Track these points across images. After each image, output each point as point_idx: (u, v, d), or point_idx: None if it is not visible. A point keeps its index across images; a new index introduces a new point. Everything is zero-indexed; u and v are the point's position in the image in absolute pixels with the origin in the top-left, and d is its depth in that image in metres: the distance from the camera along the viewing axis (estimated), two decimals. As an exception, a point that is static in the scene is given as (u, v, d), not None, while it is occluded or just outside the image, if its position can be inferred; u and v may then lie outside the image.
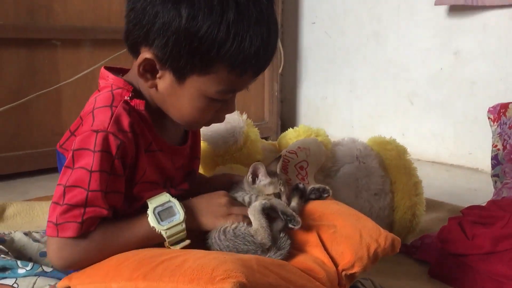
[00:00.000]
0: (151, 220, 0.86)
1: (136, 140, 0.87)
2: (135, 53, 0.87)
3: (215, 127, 1.38)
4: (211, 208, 0.93)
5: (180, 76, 0.84)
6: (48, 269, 1.05)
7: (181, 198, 0.93)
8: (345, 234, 0.93)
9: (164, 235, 0.86)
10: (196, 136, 1.09)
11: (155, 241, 0.87)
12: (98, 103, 0.87)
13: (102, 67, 0.95)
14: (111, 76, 0.92)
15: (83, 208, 0.82)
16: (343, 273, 0.90)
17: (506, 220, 1.30)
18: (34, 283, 1.02)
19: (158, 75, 0.86)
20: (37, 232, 1.26)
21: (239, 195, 0.99)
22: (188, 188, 1.02)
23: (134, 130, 0.86)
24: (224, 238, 0.88)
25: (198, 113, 0.90)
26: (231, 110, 0.94)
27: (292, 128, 1.60)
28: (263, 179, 0.99)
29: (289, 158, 1.42)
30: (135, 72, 0.88)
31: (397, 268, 1.32)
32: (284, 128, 2.22)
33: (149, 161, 0.91)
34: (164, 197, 0.89)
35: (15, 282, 1.02)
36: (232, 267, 0.71)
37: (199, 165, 1.13)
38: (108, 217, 0.85)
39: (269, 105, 3.07)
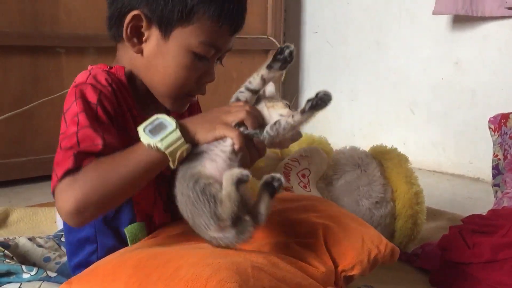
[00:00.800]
0: (144, 138, 0.80)
1: (116, 96, 0.90)
2: (118, 28, 0.93)
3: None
4: (207, 116, 0.88)
5: (166, 29, 0.90)
6: (52, 274, 1.06)
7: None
8: (348, 236, 0.94)
9: (162, 148, 0.79)
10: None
11: (156, 163, 0.82)
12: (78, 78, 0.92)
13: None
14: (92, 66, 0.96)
15: (77, 147, 0.81)
16: (342, 274, 0.91)
17: (507, 229, 1.31)
18: (39, 288, 1.03)
19: (144, 38, 0.92)
20: (41, 238, 1.27)
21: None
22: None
23: (112, 87, 0.90)
24: (191, 187, 0.80)
25: (183, 71, 0.93)
26: (212, 76, 0.97)
27: (294, 136, 1.60)
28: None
29: (291, 166, 1.43)
30: (117, 57, 0.97)
31: (398, 276, 1.33)
32: (285, 136, 2.23)
33: (134, 126, 0.89)
34: (151, 117, 0.83)
35: (19, 287, 1.03)
36: (226, 276, 0.70)
37: None
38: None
39: (271, 113, 3.07)
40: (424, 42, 2.66)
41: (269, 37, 2.94)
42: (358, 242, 0.93)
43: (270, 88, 0.96)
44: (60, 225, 1.53)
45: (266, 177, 0.83)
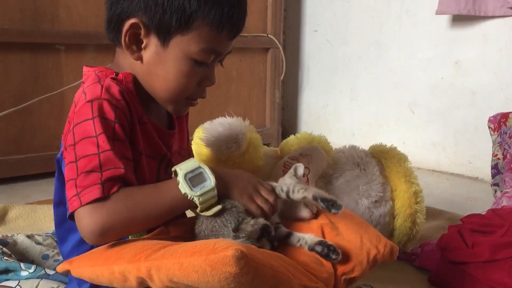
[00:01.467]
0: (183, 186, 0.84)
1: (129, 109, 0.89)
2: (117, 33, 0.92)
3: (217, 132, 1.39)
4: (241, 182, 0.92)
5: (165, 37, 0.89)
6: (50, 272, 1.06)
7: None
8: (346, 237, 0.93)
9: (197, 201, 0.84)
10: (181, 127, 1.10)
11: (184, 207, 0.87)
12: (86, 85, 0.89)
13: (84, 66, 0.98)
14: (92, 68, 0.95)
15: (99, 172, 0.80)
16: (343, 277, 0.90)
17: (506, 229, 1.31)
18: (37, 286, 1.03)
19: (143, 45, 0.91)
20: (40, 235, 1.27)
21: (277, 184, 0.98)
22: None
23: (125, 98, 0.88)
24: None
25: (183, 78, 0.92)
26: (212, 81, 0.97)
27: (293, 135, 1.60)
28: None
29: (291, 165, 1.43)
30: (117, 60, 0.96)
31: (397, 276, 1.33)
32: (284, 135, 2.23)
33: (142, 134, 0.92)
34: (193, 163, 0.87)
35: (18, 284, 1.03)
36: (233, 243, 0.72)
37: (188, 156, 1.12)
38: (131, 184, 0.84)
39: (271, 112, 3.08)
40: (424, 42, 2.66)
41: (269, 35, 2.93)
42: (356, 243, 0.92)
43: (300, 170, 1.03)
44: (59, 222, 1.53)
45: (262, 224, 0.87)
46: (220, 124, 1.41)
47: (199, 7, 0.87)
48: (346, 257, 0.91)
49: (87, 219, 0.79)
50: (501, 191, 1.65)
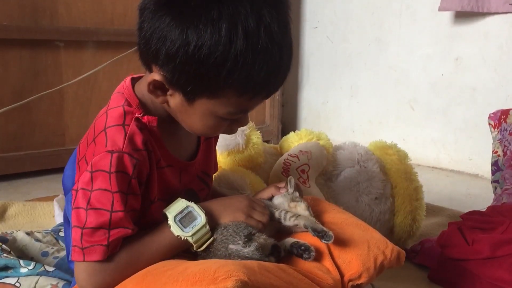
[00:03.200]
0: (174, 229, 0.85)
1: (149, 157, 0.87)
2: (147, 67, 0.86)
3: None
4: (233, 206, 0.93)
5: (189, 98, 0.83)
6: (50, 269, 1.06)
7: None
8: (353, 244, 0.93)
9: (191, 241, 0.85)
10: (208, 151, 1.07)
11: (182, 248, 0.87)
12: (109, 121, 0.86)
13: (131, 77, 0.94)
14: (127, 90, 0.90)
15: (107, 230, 0.81)
16: (350, 283, 0.90)
17: (506, 226, 1.31)
18: (36, 283, 1.02)
19: (169, 93, 0.85)
20: (39, 232, 1.27)
21: (269, 203, 1.00)
22: None
23: (147, 147, 0.86)
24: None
25: (209, 129, 0.89)
26: (244, 124, 0.93)
27: (293, 132, 1.60)
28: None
29: (291, 162, 1.43)
30: (146, 80, 0.88)
31: (397, 273, 1.33)
32: (284, 132, 2.22)
33: (158, 178, 0.90)
34: (180, 203, 0.88)
35: (17, 281, 1.03)
36: (233, 268, 0.72)
37: (211, 182, 1.10)
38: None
39: (270, 108, 3.07)
40: (425, 39, 2.65)
41: (269, 32, 2.92)
42: (363, 250, 0.92)
43: (292, 183, 1.03)
44: (58, 219, 1.53)
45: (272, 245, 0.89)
46: (220, 121, 1.40)
47: (228, 78, 0.78)
48: (353, 264, 0.91)
49: (86, 277, 0.81)
50: (501, 188, 1.65)
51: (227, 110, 0.84)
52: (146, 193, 0.88)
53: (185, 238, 0.84)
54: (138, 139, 0.84)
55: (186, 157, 1.00)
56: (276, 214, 0.96)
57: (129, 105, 0.88)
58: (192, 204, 0.88)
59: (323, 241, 0.90)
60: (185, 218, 0.86)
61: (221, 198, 0.97)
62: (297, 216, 0.94)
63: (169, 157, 0.92)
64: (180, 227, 0.85)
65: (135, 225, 0.85)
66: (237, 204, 0.93)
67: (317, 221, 0.94)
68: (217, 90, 0.81)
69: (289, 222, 0.94)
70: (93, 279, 0.81)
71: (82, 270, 0.82)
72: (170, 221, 0.85)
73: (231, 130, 0.93)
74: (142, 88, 0.90)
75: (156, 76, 0.82)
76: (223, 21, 0.75)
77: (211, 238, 0.87)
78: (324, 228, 0.91)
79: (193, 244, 0.85)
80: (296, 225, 0.93)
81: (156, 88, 0.84)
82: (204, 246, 0.86)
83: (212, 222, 0.89)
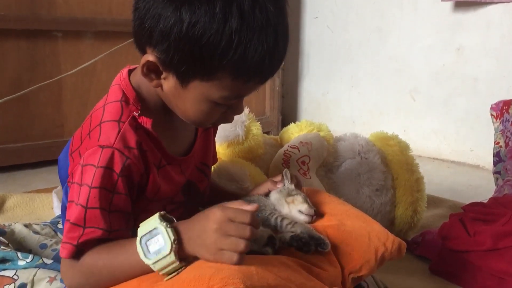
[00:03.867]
0: (139, 251, 0.77)
1: (144, 157, 0.85)
2: (142, 50, 0.85)
3: (217, 120, 1.37)
4: (202, 236, 0.76)
5: (183, 80, 0.81)
6: (48, 261, 1.05)
7: (179, 210, 0.93)
8: (354, 235, 0.92)
9: (154, 269, 0.76)
10: (207, 142, 1.05)
11: (147, 271, 0.78)
12: (106, 116, 0.85)
13: (127, 68, 0.92)
14: (124, 82, 0.89)
15: (82, 228, 0.80)
16: (350, 276, 0.89)
17: (508, 217, 1.30)
18: (34, 275, 1.01)
19: (162, 76, 0.84)
20: (37, 224, 1.26)
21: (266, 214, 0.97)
22: (184, 199, 0.98)
23: (141, 147, 0.84)
24: None
25: (203, 116, 0.87)
26: (238, 112, 0.90)
27: (294, 123, 1.59)
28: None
29: (291, 153, 1.42)
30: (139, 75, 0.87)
31: (398, 264, 1.32)
32: (285, 123, 2.21)
33: (163, 177, 0.89)
34: (152, 222, 0.78)
35: (15, 274, 1.02)
36: (228, 274, 0.69)
37: (210, 173, 1.09)
38: (110, 238, 0.82)
39: (270, 100, 3.06)
40: (426, 28, 2.63)
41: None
42: (364, 241, 0.91)
43: (288, 176, 1.02)
44: (57, 211, 1.52)
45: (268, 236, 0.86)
46: (219, 112, 1.39)
47: (222, 58, 0.76)
48: (353, 256, 0.90)
49: (65, 272, 0.85)
50: (503, 179, 1.64)
51: (221, 94, 0.82)
52: (143, 192, 0.86)
53: (148, 265, 0.76)
54: (131, 138, 0.83)
55: (184, 150, 0.98)
56: (272, 220, 0.94)
57: (127, 100, 0.87)
58: (162, 226, 0.76)
59: (319, 249, 0.87)
60: (152, 240, 0.76)
61: (195, 221, 0.79)
62: (293, 223, 0.92)
63: (167, 155, 0.91)
64: (143, 251, 0.76)
65: (128, 227, 0.83)
66: (207, 233, 0.76)
67: (313, 228, 0.92)
68: (211, 71, 0.78)
69: (285, 229, 0.92)
70: (65, 275, 0.85)
71: (62, 265, 0.85)
72: (137, 241, 0.77)
73: (225, 119, 0.91)
74: (137, 78, 0.89)
75: (150, 57, 0.80)
76: (217, 0, 0.74)
77: (182, 268, 0.77)
78: (321, 236, 0.89)
79: (157, 272, 0.77)
80: (293, 232, 0.91)
81: (150, 71, 0.83)
82: (173, 275, 0.76)
83: (186, 255, 0.77)
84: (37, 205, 1.69)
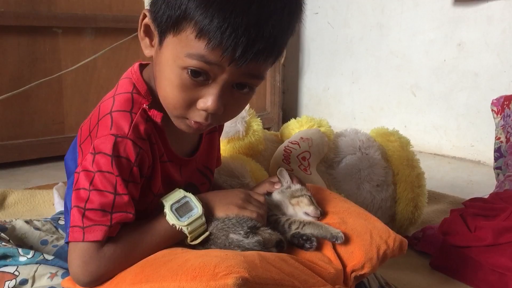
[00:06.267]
0: (170, 218, 0.84)
1: (152, 149, 0.86)
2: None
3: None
4: (227, 199, 0.91)
5: (161, 35, 0.81)
6: (49, 257, 1.05)
7: None
8: (356, 233, 0.92)
9: (186, 231, 0.83)
10: (211, 146, 1.05)
11: (177, 239, 0.85)
12: (116, 106, 0.85)
13: (139, 62, 0.92)
14: (135, 75, 0.89)
15: (109, 213, 0.79)
16: (353, 274, 0.89)
17: (509, 213, 1.30)
18: (35, 271, 1.01)
19: (153, 42, 0.84)
20: (38, 221, 1.26)
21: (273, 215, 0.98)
22: None
23: (150, 139, 0.85)
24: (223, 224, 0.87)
25: (172, 89, 0.81)
26: (206, 103, 0.81)
27: (294, 118, 1.59)
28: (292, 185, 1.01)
29: (291, 149, 1.42)
30: (152, 69, 0.88)
31: (399, 260, 1.32)
32: (285, 119, 2.21)
33: (162, 172, 0.90)
34: (178, 193, 0.87)
35: (16, 270, 1.02)
36: (234, 263, 0.70)
37: (212, 176, 1.09)
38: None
39: (271, 95, 3.05)
40: (427, 23, 2.62)
41: (269, 18, 2.89)
42: (366, 240, 0.91)
43: (284, 175, 1.03)
44: (58, 207, 1.52)
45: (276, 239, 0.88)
46: (220, 108, 1.39)
47: (192, 6, 0.74)
48: (356, 254, 0.90)
49: (80, 264, 0.79)
50: (504, 175, 1.64)
51: (186, 50, 0.76)
52: (149, 186, 0.87)
53: (180, 228, 0.83)
54: (143, 129, 0.83)
55: (187, 152, 0.99)
56: (281, 223, 0.94)
57: (138, 93, 0.87)
58: (189, 194, 0.87)
59: (337, 242, 0.90)
60: (181, 208, 0.85)
61: (218, 191, 0.96)
62: (302, 225, 0.92)
63: (170, 152, 0.91)
64: (176, 216, 0.84)
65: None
66: (232, 197, 0.92)
67: (322, 224, 0.93)
68: (178, 20, 0.76)
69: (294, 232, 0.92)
70: (87, 265, 0.78)
71: (77, 255, 0.79)
72: (167, 209, 0.84)
73: (197, 115, 0.83)
74: (149, 72, 0.90)
75: (146, 11, 0.83)
76: None
77: (207, 232, 0.85)
78: (333, 232, 0.90)
79: (188, 235, 0.83)
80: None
81: (145, 34, 0.85)
82: (199, 240, 0.84)
83: (208, 214, 0.88)
84: (38, 201, 1.69)
